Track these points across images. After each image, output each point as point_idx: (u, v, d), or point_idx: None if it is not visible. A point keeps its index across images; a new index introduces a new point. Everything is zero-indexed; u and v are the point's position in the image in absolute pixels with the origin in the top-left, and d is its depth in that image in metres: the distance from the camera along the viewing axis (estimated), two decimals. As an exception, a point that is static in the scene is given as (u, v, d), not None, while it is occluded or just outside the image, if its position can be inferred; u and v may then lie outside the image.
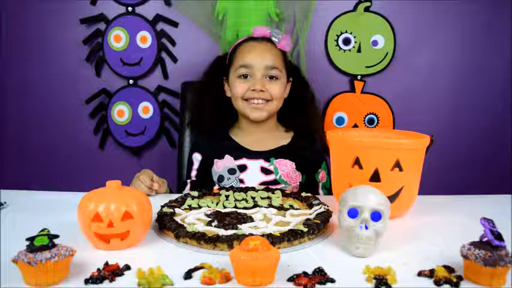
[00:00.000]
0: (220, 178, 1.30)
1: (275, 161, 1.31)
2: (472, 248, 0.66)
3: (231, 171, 1.29)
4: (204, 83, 1.43)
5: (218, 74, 1.40)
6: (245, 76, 1.30)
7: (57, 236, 0.67)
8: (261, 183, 1.27)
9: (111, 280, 0.66)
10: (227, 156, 1.31)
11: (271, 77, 1.30)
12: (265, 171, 1.30)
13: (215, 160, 1.32)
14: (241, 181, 1.28)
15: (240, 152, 1.33)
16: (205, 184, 1.30)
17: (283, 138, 1.38)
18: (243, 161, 1.31)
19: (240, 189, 1.10)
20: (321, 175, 1.36)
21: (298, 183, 1.31)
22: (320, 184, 1.36)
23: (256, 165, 1.30)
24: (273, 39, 1.34)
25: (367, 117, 1.74)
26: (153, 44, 1.69)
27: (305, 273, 0.68)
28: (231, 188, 1.12)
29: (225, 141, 1.37)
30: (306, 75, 1.56)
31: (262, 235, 0.77)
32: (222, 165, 1.30)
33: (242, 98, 1.31)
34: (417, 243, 0.83)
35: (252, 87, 1.28)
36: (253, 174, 1.29)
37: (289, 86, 1.38)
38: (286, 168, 1.30)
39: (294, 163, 1.31)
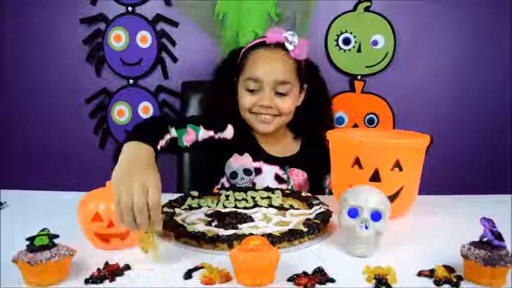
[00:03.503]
0: (234, 175, 1.23)
1: (289, 170, 1.27)
2: (472, 248, 0.66)
3: (247, 171, 1.24)
4: (218, 81, 1.33)
5: (231, 72, 1.30)
6: (253, 90, 1.22)
7: (57, 236, 0.67)
8: None
9: (111, 280, 0.66)
10: (246, 155, 1.25)
11: (281, 93, 1.21)
12: (278, 179, 1.26)
13: (235, 154, 1.24)
14: (254, 184, 1.24)
15: (259, 153, 1.27)
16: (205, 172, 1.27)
17: (293, 145, 1.33)
18: (260, 164, 1.26)
19: (240, 189, 1.10)
20: (328, 181, 1.32)
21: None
22: (326, 190, 1.33)
23: (271, 171, 1.26)
24: (287, 45, 1.21)
25: (367, 117, 1.74)
26: (153, 44, 1.69)
27: (305, 273, 0.67)
28: (231, 187, 1.12)
29: (248, 137, 1.29)
30: None
31: (262, 235, 0.76)
32: (239, 162, 1.25)
33: (249, 111, 1.24)
34: (417, 243, 0.83)
35: (259, 102, 1.21)
36: (267, 180, 1.24)
37: (303, 94, 1.30)
38: (298, 179, 1.27)
39: (305, 173, 1.28)
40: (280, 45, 1.22)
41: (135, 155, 0.83)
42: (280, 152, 1.30)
